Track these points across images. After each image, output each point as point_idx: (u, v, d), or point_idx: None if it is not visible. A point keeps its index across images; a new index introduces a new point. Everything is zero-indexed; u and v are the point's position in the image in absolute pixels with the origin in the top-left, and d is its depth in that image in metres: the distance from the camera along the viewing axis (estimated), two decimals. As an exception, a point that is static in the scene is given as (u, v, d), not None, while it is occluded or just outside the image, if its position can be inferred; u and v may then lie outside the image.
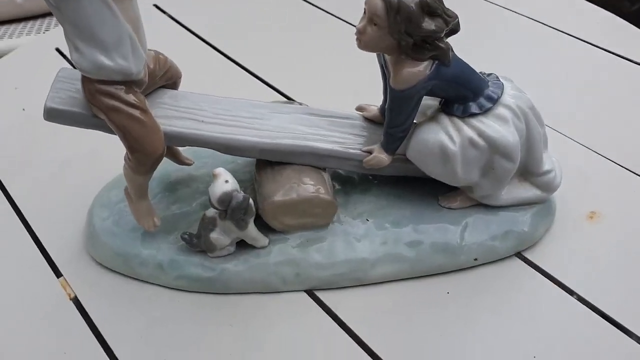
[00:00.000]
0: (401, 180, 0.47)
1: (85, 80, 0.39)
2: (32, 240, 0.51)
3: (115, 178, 0.52)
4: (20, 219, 0.53)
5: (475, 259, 0.44)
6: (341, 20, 0.73)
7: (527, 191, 0.45)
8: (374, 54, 0.42)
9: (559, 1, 0.73)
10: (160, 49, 0.44)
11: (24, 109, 0.65)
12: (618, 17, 0.67)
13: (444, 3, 0.39)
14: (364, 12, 0.39)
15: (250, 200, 0.42)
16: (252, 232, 0.44)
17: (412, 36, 0.38)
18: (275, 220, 0.44)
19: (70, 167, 0.57)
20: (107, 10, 0.37)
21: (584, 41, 0.66)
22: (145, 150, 0.40)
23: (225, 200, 0.41)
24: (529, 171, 0.45)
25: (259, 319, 0.43)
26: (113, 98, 0.39)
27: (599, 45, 0.65)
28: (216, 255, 0.45)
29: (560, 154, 0.48)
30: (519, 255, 0.46)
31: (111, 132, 0.41)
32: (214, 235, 0.44)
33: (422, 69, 0.40)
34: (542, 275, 0.44)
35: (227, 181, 0.41)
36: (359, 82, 0.59)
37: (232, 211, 0.41)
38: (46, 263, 0.49)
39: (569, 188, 0.48)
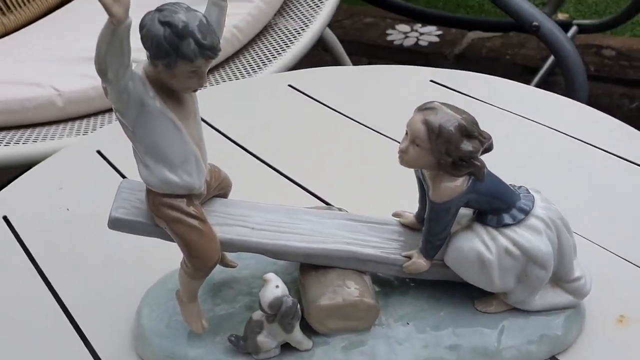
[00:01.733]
0: (438, 283, 0.50)
1: (150, 193, 0.43)
2: (80, 339, 0.53)
3: (161, 278, 0.55)
4: (67, 317, 0.55)
5: (513, 363, 0.46)
6: (372, 130, 0.77)
7: (558, 297, 0.48)
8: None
9: (571, 110, 0.78)
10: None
11: (68, 209, 0.69)
12: (629, 126, 0.71)
13: (478, 124, 0.43)
14: (406, 134, 0.43)
15: (298, 305, 0.44)
16: (297, 335, 0.46)
17: (451, 156, 0.42)
18: (320, 323, 0.46)
19: (116, 265, 0.60)
20: (176, 131, 0.41)
21: (602, 150, 0.70)
22: (203, 257, 0.43)
23: (276, 305, 0.43)
24: (560, 278, 0.47)
25: (303, 421, 0.45)
26: (175, 210, 0.42)
27: (615, 153, 0.69)
28: (262, 357, 0.47)
29: (585, 258, 0.51)
30: (554, 359, 0.47)
31: (171, 240, 0.44)
32: (261, 338, 0.46)
33: (459, 184, 0.43)
34: (577, 379, 0.46)
35: (277, 286, 0.44)
36: (393, 188, 0.62)
37: (281, 316, 0.44)
38: (94, 362, 0.51)
39: (596, 292, 0.50)
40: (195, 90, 0.41)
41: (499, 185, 0.45)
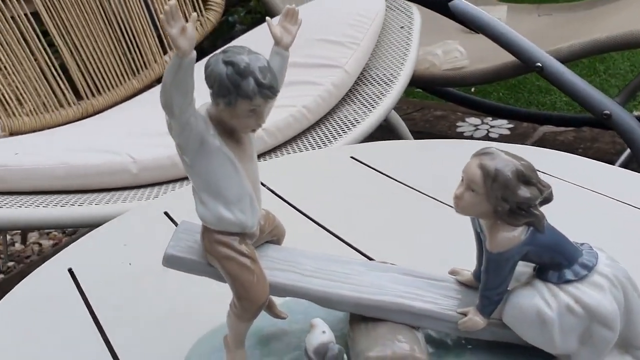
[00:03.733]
0: (496, 346, 0.47)
1: (205, 230, 0.44)
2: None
3: (210, 331, 0.54)
4: (118, 365, 0.55)
5: None
6: (429, 197, 0.77)
7: (629, 364, 0.44)
8: (463, 222, 0.45)
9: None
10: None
11: (130, 264, 0.70)
12: None
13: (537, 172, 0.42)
14: (462, 180, 0.42)
15: (345, 355, 0.43)
16: (344, 387, 0.44)
17: (508, 202, 0.40)
18: (368, 377, 0.44)
19: (170, 317, 0.60)
20: (234, 170, 0.42)
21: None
22: (251, 297, 0.43)
23: (321, 351, 0.42)
24: (630, 343, 0.44)
25: None
26: (228, 247, 0.43)
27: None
28: (307, 410, 0.45)
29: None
30: None
31: (222, 280, 0.44)
32: (307, 389, 0.44)
33: (517, 234, 0.42)
34: None
35: (324, 332, 0.43)
36: (450, 250, 0.60)
37: (327, 363, 0.42)
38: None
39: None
40: (254, 130, 0.42)
41: (559, 238, 0.43)
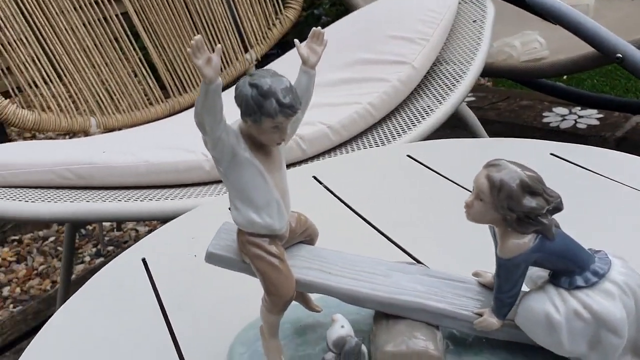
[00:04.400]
0: (514, 346, 0.49)
1: (239, 232, 0.49)
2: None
3: (254, 320, 0.59)
4: (175, 348, 0.61)
5: None
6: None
7: (641, 370, 0.45)
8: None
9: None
10: (309, 209, 0.53)
11: (195, 255, 0.77)
12: None
13: (545, 183, 0.43)
14: (473, 189, 0.45)
15: (363, 347, 0.46)
16: (364, 378, 0.48)
17: (515, 211, 0.43)
18: (386, 370, 0.48)
19: (223, 305, 0.66)
20: (261, 179, 0.47)
21: None
22: (279, 293, 0.48)
23: (340, 343, 0.46)
24: (641, 349, 0.45)
25: None
26: (258, 248, 0.48)
27: None
28: (332, 397, 0.49)
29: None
30: None
31: (254, 275, 0.49)
32: (331, 378, 0.48)
33: (526, 241, 0.44)
34: None
35: (342, 326, 0.47)
36: (478, 248, 0.63)
37: (345, 355, 0.46)
38: (190, 389, 0.56)
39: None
40: (279, 144, 0.47)
41: (571, 246, 0.45)
